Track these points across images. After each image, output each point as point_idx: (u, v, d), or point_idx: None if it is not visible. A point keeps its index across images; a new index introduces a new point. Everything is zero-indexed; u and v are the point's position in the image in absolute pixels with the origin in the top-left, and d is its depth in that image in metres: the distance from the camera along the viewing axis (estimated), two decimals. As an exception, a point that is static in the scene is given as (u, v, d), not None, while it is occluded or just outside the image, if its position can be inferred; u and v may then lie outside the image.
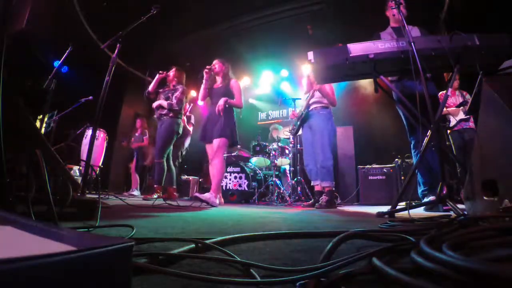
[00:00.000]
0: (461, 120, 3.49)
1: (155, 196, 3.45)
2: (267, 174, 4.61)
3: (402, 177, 4.01)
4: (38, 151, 0.92)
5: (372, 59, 1.94)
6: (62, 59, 3.21)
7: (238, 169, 4.46)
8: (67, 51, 3.17)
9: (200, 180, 5.75)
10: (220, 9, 5.24)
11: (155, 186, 3.66)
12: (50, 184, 0.88)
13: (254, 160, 4.77)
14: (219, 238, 0.73)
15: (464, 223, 0.72)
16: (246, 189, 4.32)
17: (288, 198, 3.84)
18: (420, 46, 1.85)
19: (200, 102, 6.81)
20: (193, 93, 6.70)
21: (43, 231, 0.31)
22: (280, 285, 0.42)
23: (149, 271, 0.45)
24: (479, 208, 1.11)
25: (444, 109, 2.22)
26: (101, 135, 4.29)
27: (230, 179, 4.47)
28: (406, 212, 1.52)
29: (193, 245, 0.63)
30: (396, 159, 4.25)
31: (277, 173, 4.45)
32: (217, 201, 2.69)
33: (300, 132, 3.54)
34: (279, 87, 6.86)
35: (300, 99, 3.78)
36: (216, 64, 3.11)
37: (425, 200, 2.28)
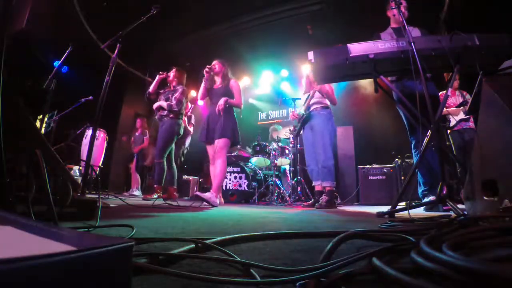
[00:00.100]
0: (461, 120, 3.49)
1: (155, 196, 3.46)
2: (267, 174, 4.61)
3: (402, 177, 4.01)
4: (38, 151, 0.92)
5: (372, 59, 1.94)
6: (62, 59, 3.21)
7: (238, 169, 4.47)
8: (67, 51, 3.17)
9: (200, 180, 5.75)
10: (220, 9, 5.24)
11: (155, 186, 3.66)
12: (50, 184, 0.88)
13: (254, 160, 4.77)
14: (219, 238, 0.73)
15: (464, 223, 0.72)
16: (246, 189, 4.32)
17: (288, 198, 3.84)
18: (420, 46, 1.85)
19: (200, 102, 6.84)
20: (193, 93, 6.70)
21: (43, 231, 0.31)
22: (280, 285, 0.42)
23: (149, 271, 0.45)
24: (479, 208, 1.11)
25: (444, 109, 2.22)
26: (101, 135, 4.28)
27: (230, 179, 4.47)
28: (406, 212, 1.52)
29: (193, 245, 0.63)
30: (396, 159, 4.25)
31: (277, 173, 4.45)
32: (217, 201, 2.69)
33: (301, 132, 3.54)
34: (279, 87, 6.86)
35: (300, 99, 3.78)
36: (216, 64, 3.11)
37: (425, 200, 2.28)
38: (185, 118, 4.61)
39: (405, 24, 1.97)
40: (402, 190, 1.92)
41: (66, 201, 1.08)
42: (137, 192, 5.08)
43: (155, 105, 3.68)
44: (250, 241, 0.80)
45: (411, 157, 3.52)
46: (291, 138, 4.38)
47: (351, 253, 0.55)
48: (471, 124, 3.49)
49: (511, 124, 0.90)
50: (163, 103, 3.60)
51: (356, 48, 1.97)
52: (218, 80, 3.14)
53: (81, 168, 4.08)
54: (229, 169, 4.42)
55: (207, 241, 0.66)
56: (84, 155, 3.78)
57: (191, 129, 5.06)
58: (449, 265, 0.34)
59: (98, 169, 4.08)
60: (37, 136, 1.08)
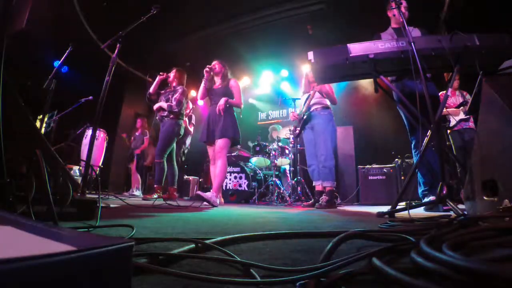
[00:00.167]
0: (461, 120, 3.49)
1: (155, 196, 3.46)
2: (267, 174, 4.61)
3: (402, 177, 4.01)
4: (38, 151, 0.92)
5: (372, 59, 1.94)
6: (62, 59, 3.21)
7: (238, 169, 4.47)
8: (67, 51, 3.17)
9: (200, 180, 5.76)
10: (220, 9, 5.24)
11: (155, 186, 3.67)
12: (50, 184, 0.88)
13: (254, 160, 4.77)
14: (219, 238, 0.73)
15: (464, 223, 0.72)
16: (246, 189, 4.32)
17: (288, 198, 3.84)
18: (420, 46, 1.85)
19: (200, 102, 6.84)
20: (193, 93, 6.70)
21: (43, 231, 0.31)
22: (280, 285, 0.42)
23: (149, 271, 0.45)
24: (479, 208, 1.11)
25: (444, 109, 2.22)
26: (101, 135, 4.28)
27: (230, 179, 4.47)
28: (406, 212, 1.52)
29: (193, 245, 0.63)
30: (396, 159, 4.25)
31: (277, 173, 4.45)
32: (218, 201, 2.69)
33: (301, 133, 3.54)
34: (279, 87, 6.86)
35: (299, 99, 3.78)
36: (216, 64, 3.12)
37: (425, 200, 2.28)
38: (186, 119, 4.62)
39: (405, 24, 1.97)
40: (402, 190, 1.92)
41: (66, 201, 1.08)
42: (138, 192, 5.09)
43: (155, 106, 3.70)
44: (250, 241, 0.80)
45: (411, 157, 3.52)
46: (291, 138, 4.39)
47: (351, 253, 0.55)
48: (471, 124, 3.49)
49: (511, 124, 0.90)
50: (163, 104, 3.62)
51: (356, 48, 1.97)
52: (218, 80, 3.15)
53: (81, 168, 4.08)
54: (229, 169, 4.42)
55: (207, 241, 0.66)
56: (84, 155, 3.78)
57: (191, 129, 5.07)
58: (449, 265, 0.34)
59: (98, 169, 4.08)
60: (37, 136, 1.08)
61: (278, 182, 4.18)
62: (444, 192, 1.62)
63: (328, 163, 3.04)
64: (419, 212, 2.14)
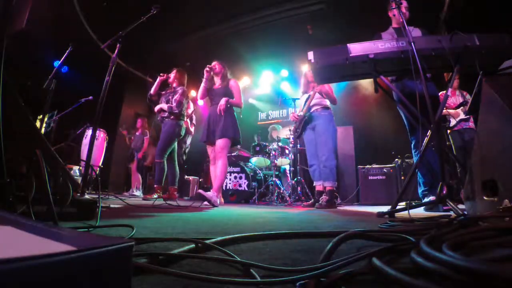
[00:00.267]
0: (461, 120, 3.49)
1: (155, 196, 3.46)
2: (267, 174, 4.61)
3: (402, 177, 4.01)
4: (38, 151, 0.92)
5: (372, 59, 1.94)
6: (62, 59, 3.21)
7: (238, 169, 4.47)
8: (67, 51, 3.17)
9: (200, 180, 5.76)
10: (220, 9, 5.24)
11: (155, 186, 3.67)
12: (50, 184, 0.88)
13: (254, 160, 4.77)
14: (219, 238, 0.73)
15: (464, 223, 0.72)
16: (246, 189, 4.32)
17: (288, 198, 3.84)
18: (420, 46, 1.85)
19: (200, 102, 6.84)
20: (193, 93, 6.70)
21: (43, 231, 0.31)
22: (280, 285, 0.42)
23: (149, 271, 0.45)
24: (479, 208, 1.11)
25: (444, 109, 2.22)
26: (101, 135, 4.28)
27: (230, 179, 4.47)
28: (406, 212, 1.52)
29: (193, 245, 0.63)
30: (396, 159, 4.25)
31: (277, 173, 4.45)
32: (218, 201, 2.69)
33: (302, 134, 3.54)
34: (279, 87, 6.86)
35: (299, 99, 3.78)
36: (216, 65, 3.13)
37: (425, 200, 2.28)
38: (188, 120, 4.63)
39: (405, 24, 1.97)
40: (402, 190, 1.92)
41: (66, 201, 1.08)
42: (138, 192, 5.09)
43: (156, 108, 3.73)
44: (250, 241, 0.80)
45: (411, 157, 3.52)
46: (291, 138, 4.38)
47: (351, 253, 0.55)
48: (471, 124, 3.49)
49: (511, 124, 0.90)
50: (164, 106, 3.64)
51: (356, 48, 1.97)
52: (217, 81, 3.16)
53: (81, 168, 4.07)
54: (229, 169, 4.42)
55: (207, 241, 0.66)
56: (84, 155, 3.78)
57: (192, 129, 5.07)
58: (449, 265, 0.34)
59: (98, 169, 4.08)
60: (37, 136, 1.08)
61: (278, 182, 4.18)
62: (444, 192, 1.62)
63: (329, 163, 3.04)
64: (419, 212, 2.14)
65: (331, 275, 0.42)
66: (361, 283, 0.44)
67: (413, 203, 2.08)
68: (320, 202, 2.97)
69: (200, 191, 2.65)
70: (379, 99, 5.18)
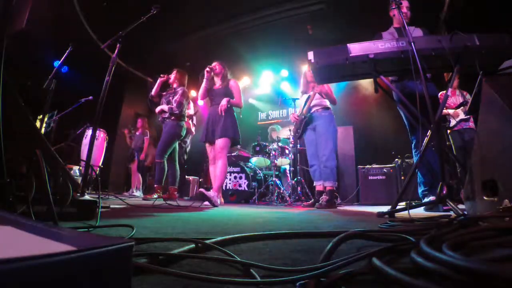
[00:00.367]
0: (461, 120, 3.49)
1: (155, 196, 3.46)
2: (267, 174, 4.61)
3: (402, 177, 4.01)
4: (38, 151, 0.92)
5: (372, 59, 1.94)
6: (62, 59, 3.21)
7: (238, 169, 4.46)
8: (67, 51, 3.17)
9: (200, 180, 5.76)
10: (220, 9, 5.24)
11: (155, 186, 3.67)
12: (50, 184, 0.88)
13: (254, 160, 4.77)
14: (219, 238, 0.73)
15: (464, 223, 0.72)
16: (246, 189, 4.32)
17: (288, 198, 3.84)
18: (420, 46, 1.85)
19: (200, 102, 6.83)
20: (193, 93, 6.70)
21: (43, 231, 0.31)
22: (280, 285, 0.42)
23: (149, 271, 0.45)
24: (479, 208, 1.11)
25: (444, 110, 2.22)
26: (101, 135, 4.29)
27: (230, 179, 4.47)
28: (406, 212, 1.52)
29: (193, 245, 0.63)
30: (396, 159, 4.25)
31: (277, 173, 4.45)
32: (218, 201, 2.69)
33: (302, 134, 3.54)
34: (279, 87, 6.86)
35: (299, 99, 3.78)
36: (216, 65, 3.13)
37: (425, 200, 2.28)
38: (190, 121, 4.63)
39: (405, 24, 1.97)
40: (402, 190, 1.92)
41: (66, 201, 1.08)
42: (138, 192, 5.09)
43: (157, 110, 3.74)
44: (250, 241, 0.80)
45: (411, 157, 3.52)
46: (291, 138, 4.38)
47: (351, 253, 0.55)
48: (471, 124, 3.49)
49: (511, 124, 0.90)
50: (164, 107, 3.66)
51: (356, 48, 1.97)
52: (218, 81, 3.16)
53: (81, 168, 4.08)
54: (229, 169, 4.42)
55: (207, 241, 0.66)
56: (84, 155, 3.78)
57: (193, 129, 5.08)
58: (449, 265, 0.34)
59: (98, 169, 4.09)
60: (37, 136, 1.08)
61: (278, 182, 4.18)
62: (444, 192, 1.62)
63: (329, 163, 3.04)
64: (419, 212, 2.14)
65: (331, 275, 0.42)
66: (361, 283, 0.44)
67: (413, 203, 2.08)
68: (320, 202, 2.97)
69: (202, 190, 2.65)
70: (379, 99, 5.18)
